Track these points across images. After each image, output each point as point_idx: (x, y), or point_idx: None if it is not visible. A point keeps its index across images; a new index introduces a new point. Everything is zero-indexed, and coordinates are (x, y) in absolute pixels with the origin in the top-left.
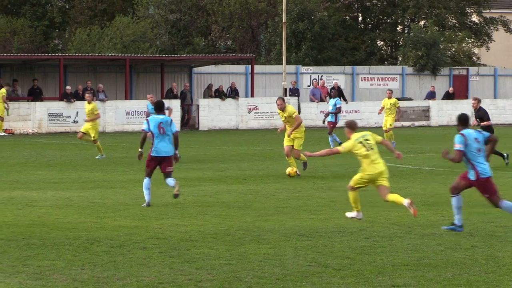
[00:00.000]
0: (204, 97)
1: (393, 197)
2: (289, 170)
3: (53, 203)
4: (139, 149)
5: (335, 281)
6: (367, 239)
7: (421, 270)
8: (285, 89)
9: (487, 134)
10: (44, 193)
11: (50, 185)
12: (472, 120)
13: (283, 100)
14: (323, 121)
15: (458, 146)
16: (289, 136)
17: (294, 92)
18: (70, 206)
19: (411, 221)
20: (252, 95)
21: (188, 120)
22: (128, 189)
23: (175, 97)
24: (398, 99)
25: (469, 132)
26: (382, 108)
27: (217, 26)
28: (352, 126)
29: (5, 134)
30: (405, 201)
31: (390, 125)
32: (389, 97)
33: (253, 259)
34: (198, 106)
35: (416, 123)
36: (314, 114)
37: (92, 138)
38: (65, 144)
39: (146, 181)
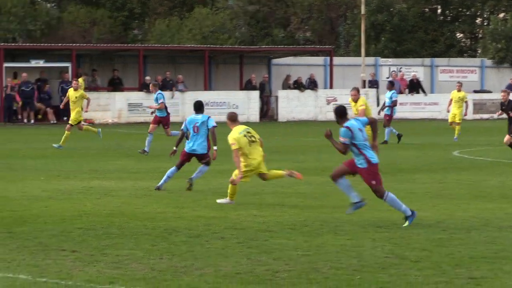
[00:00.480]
0: (283, 88)
1: (271, 174)
2: None
3: (132, 193)
4: (174, 147)
5: (412, 273)
6: (445, 231)
7: (499, 263)
8: (364, 81)
9: (364, 119)
10: (123, 183)
11: (129, 175)
12: (498, 112)
13: (358, 91)
14: (378, 113)
15: (343, 139)
16: None
17: (373, 83)
18: (148, 196)
19: (488, 214)
20: (331, 87)
21: (267, 111)
22: (207, 179)
23: (253, 88)
24: (477, 91)
25: (352, 123)
26: (451, 100)
27: (296, 17)
28: (233, 118)
29: (85, 124)
30: (284, 172)
31: (459, 119)
32: (459, 90)
33: (330, 250)
34: (277, 97)
35: (495, 116)
36: None
37: (70, 123)
38: (144, 134)
39: (172, 169)
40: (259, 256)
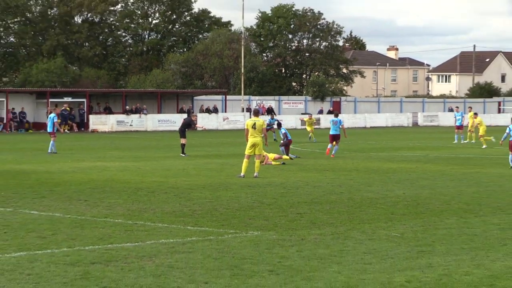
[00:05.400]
0: (200, 112)
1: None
2: None
3: (117, 169)
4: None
5: (266, 211)
6: (285, 188)
7: (313, 205)
8: (243, 108)
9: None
10: (113, 163)
11: (116, 159)
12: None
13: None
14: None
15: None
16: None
17: (248, 110)
18: (128, 170)
19: (308, 179)
20: (225, 111)
21: (194, 126)
22: (159, 161)
23: (184, 112)
24: (303, 113)
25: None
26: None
27: (207, 74)
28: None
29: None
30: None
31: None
32: (310, 118)
33: (223, 198)
34: (196, 116)
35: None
36: None
37: None
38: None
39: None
40: (185, 202)
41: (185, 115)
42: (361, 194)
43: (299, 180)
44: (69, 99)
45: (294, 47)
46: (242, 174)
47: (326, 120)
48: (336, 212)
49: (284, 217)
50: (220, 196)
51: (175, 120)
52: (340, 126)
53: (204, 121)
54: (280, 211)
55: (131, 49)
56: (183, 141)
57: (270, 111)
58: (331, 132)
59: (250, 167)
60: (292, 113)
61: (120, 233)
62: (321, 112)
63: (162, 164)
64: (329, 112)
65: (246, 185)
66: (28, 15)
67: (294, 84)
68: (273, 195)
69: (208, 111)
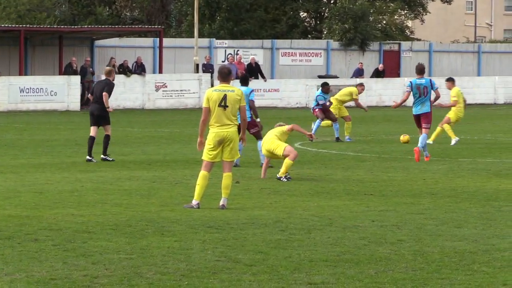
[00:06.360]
0: None
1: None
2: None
3: None
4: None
5: (246, 278)
6: (283, 232)
7: (341, 266)
8: (197, 65)
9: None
10: None
11: None
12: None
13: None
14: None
15: None
16: None
17: (208, 68)
18: None
19: (332, 212)
20: (160, 71)
21: (89, 99)
22: (20, 174)
23: (74, 72)
24: (322, 76)
25: None
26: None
27: None
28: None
29: None
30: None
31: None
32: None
33: (156, 253)
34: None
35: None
36: None
37: None
38: None
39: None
40: (76, 260)
41: (74, 79)
42: (441, 243)
43: (313, 215)
44: None
45: None
46: (195, 202)
47: (370, 90)
48: (390, 281)
49: None
50: (148, 246)
51: (55, 90)
52: (433, 91)
53: (114, 91)
54: (272, 278)
55: None
56: (107, 130)
57: (253, 69)
58: (415, 110)
59: (212, 188)
60: (299, 75)
61: None
62: (359, 72)
63: (28, 181)
64: (376, 74)
65: (204, 224)
66: None
67: (303, 15)
68: (259, 245)
69: (125, 70)
